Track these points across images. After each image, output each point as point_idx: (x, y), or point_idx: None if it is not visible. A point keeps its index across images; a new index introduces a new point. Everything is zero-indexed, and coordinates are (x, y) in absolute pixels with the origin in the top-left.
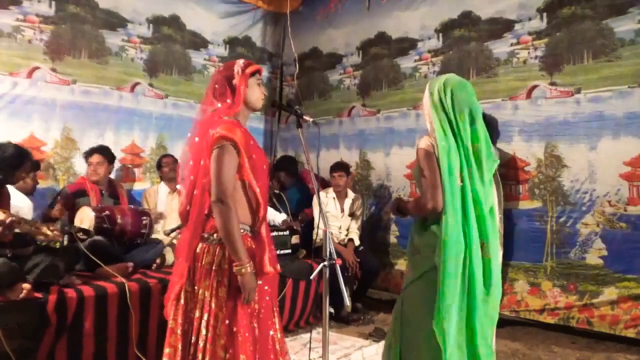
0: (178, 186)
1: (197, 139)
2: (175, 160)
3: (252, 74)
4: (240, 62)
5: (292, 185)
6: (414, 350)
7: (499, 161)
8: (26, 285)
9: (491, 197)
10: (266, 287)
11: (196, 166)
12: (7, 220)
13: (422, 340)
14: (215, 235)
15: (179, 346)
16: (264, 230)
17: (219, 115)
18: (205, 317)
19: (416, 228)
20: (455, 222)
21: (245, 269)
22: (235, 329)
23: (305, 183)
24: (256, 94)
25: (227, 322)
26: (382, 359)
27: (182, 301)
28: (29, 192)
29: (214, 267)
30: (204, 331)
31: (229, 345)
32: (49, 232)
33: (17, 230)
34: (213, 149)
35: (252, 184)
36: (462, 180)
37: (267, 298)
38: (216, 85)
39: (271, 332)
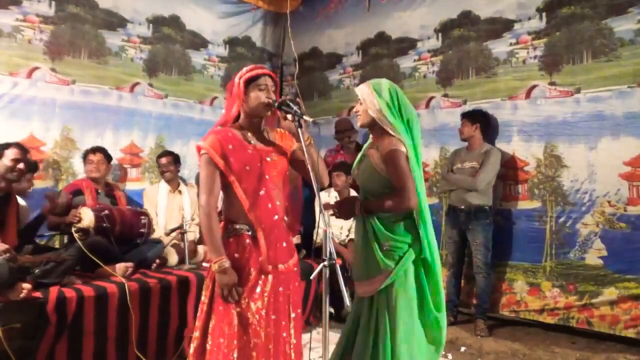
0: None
1: None
2: (175, 159)
3: (252, 80)
4: (244, 69)
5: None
6: (409, 343)
7: None
8: (26, 285)
9: None
10: (280, 289)
11: None
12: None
13: (418, 329)
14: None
15: None
16: (263, 228)
17: (215, 126)
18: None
19: (379, 226)
20: (427, 218)
21: (214, 265)
22: (212, 325)
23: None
24: (254, 100)
25: (212, 319)
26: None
27: None
28: (24, 194)
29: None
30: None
31: (212, 337)
32: (53, 257)
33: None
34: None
35: (235, 185)
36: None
37: (281, 299)
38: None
39: (284, 334)
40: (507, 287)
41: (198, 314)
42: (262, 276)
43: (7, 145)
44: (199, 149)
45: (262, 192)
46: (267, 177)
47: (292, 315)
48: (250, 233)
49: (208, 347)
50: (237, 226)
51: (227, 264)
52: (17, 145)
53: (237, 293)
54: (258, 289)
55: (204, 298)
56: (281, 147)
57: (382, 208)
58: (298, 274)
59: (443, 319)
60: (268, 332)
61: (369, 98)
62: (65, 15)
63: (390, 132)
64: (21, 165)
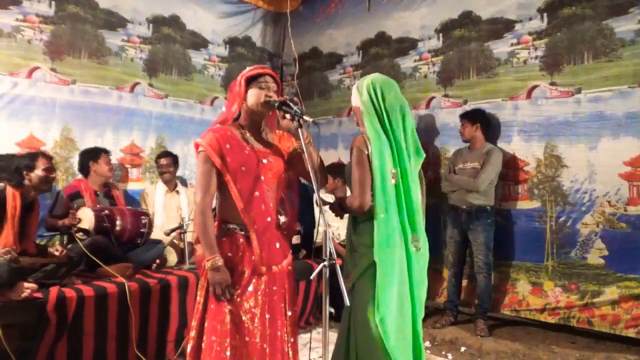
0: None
1: None
2: (174, 161)
3: (254, 78)
4: (247, 69)
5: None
6: (365, 343)
7: (424, 156)
8: (31, 285)
9: (418, 192)
10: (274, 287)
11: None
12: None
13: (371, 332)
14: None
15: None
16: (256, 229)
17: (214, 124)
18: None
19: (350, 226)
20: (386, 220)
21: (207, 263)
22: (206, 324)
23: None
24: (254, 98)
25: (204, 318)
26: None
27: None
28: None
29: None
30: (193, 322)
31: (207, 335)
32: (56, 253)
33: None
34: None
35: (230, 184)
36: (396, 179)
37: (275, 298)
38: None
39: (278, 333)
40: (509, 286)
41: (194, 313)
42: (255, 276)
43: (36, 156)
44: (197, 145)
45: (256, 194)
46: (262, 178)
47: (289, 313)
48: (243, 233)
49: (203, 346)
50: (231, 226)
51: (220, 262)
52: (44, 154)
53: (229, 292)
54: (250, 288)
55: (199, 297)
56: (278, 148)
57: (342, 206)
58: (292, 273)
59: (382, 322)
60: (263, 332)
61: (354, 98)
62: (65, 15)
63: (363, 131)
64: (53, 175)
